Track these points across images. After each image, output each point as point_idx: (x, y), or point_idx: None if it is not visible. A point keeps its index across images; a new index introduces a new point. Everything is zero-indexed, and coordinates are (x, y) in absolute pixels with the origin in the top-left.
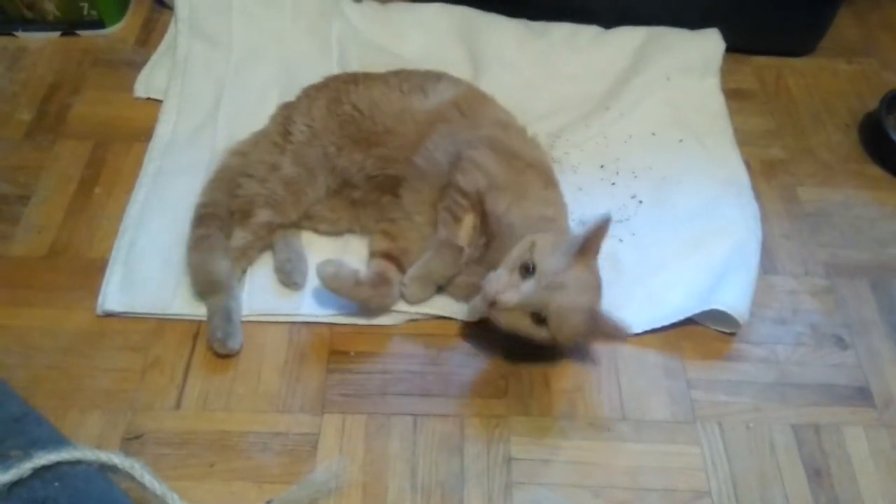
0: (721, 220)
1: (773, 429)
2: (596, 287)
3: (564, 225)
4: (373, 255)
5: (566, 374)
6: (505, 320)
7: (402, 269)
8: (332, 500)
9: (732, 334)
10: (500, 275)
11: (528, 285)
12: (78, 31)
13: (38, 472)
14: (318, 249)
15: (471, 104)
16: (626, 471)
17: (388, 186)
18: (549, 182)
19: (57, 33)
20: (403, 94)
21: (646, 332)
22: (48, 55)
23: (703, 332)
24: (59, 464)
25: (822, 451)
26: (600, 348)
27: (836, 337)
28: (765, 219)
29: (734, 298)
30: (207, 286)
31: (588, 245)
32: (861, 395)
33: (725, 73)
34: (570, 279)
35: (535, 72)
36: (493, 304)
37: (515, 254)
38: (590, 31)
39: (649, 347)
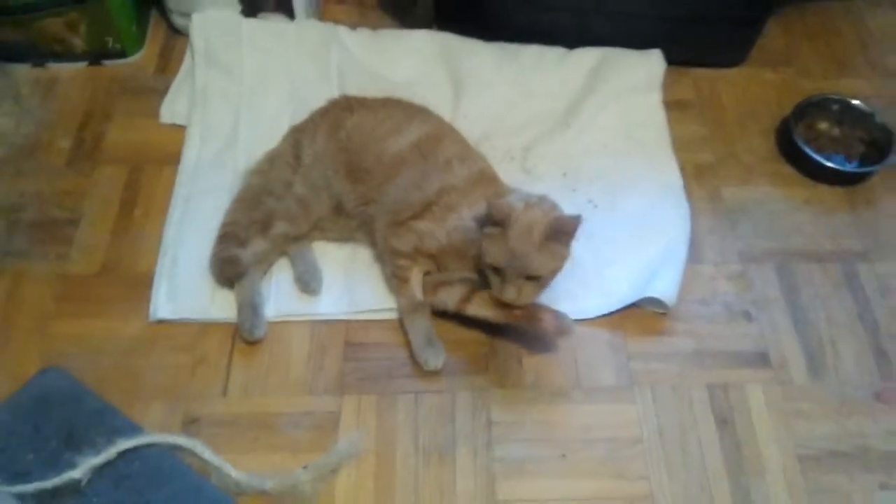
0: (659, 220)
1: (692, 389)
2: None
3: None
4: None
5: (533, 354)
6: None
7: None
8: (354, 464)
9: (664, 314)
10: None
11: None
12: (103, 62)
13: (121, 454)
14: (330, 260)
15: (428, 144)
16: (581, 427)
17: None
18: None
19: (84, 63)
20: (385, 133)
21: (598, 317)
22: (79, 84)
23: (642, 313)
24: (136, 447)
25: (729, 405)
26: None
27: (744, 312)
28: (694, 216)
29: (666, 286)
30: (229, 270)
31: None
32: (761, 360)
33: (668, 85)
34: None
35: (511, 91)
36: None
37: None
38: (555, 53)
39: (599, 327)
